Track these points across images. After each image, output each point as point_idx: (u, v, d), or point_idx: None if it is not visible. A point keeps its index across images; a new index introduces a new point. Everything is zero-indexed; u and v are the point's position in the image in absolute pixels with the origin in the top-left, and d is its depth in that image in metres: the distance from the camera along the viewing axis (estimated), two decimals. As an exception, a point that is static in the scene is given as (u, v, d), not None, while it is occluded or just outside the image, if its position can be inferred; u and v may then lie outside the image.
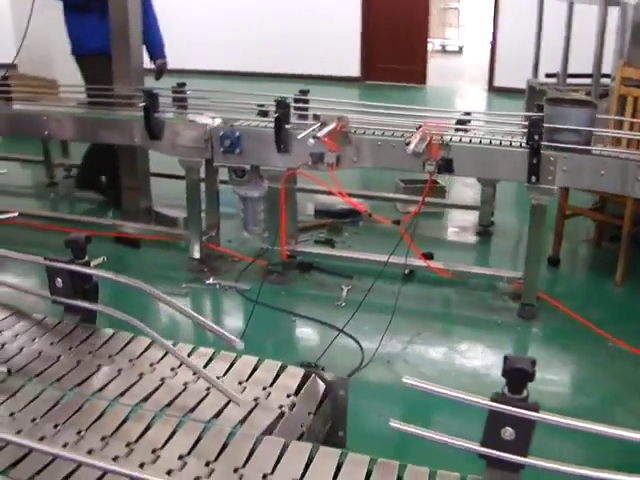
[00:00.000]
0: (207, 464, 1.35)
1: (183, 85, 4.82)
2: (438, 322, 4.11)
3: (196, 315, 1.71)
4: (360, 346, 3.73)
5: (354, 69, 11.98)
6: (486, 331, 4.00)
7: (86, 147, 5.98)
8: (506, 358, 1.32)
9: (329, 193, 4.72)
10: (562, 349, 3.87)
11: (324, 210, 5.58)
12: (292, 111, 4.28)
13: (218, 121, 4.37)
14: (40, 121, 4.82)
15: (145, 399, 1.56)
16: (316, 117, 4.08)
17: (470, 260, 4.96)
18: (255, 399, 1.59)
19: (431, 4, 12.22)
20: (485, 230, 5.36)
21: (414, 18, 11.73)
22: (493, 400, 1.28)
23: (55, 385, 1.60)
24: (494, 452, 1.29)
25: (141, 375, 1.66)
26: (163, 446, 1.39)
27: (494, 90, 11.11)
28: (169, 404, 1.54)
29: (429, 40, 15.89)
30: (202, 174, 4.64)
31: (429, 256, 4.53)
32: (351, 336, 3.79)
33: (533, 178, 3.80)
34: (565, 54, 7.31)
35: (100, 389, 1.61)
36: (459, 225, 5.67)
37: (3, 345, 1.79)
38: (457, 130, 4.16)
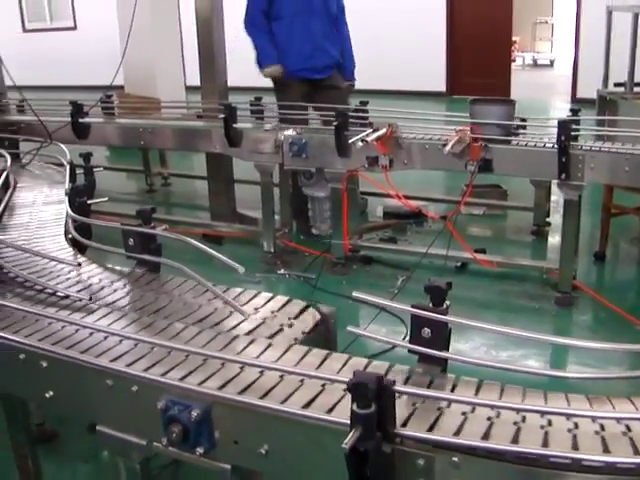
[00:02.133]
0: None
1: (260, 99, 5.47)
2: (481, 308, 4.55)
3: (205, 248, 2.32)
4: (404, 324, 4.23)
5: (440, 84, 12.46)
6: (523, 316, 4.42)
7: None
8: (429, 281, 1.84)
9: (398, 197, 5.21)
10: (591, 333, 4.25)
11: (391, 212, 6.10)
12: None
13: (289, 130, 4.98)
14: (136, 132, 5.57)
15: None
16: (370, 124, 4.64)
17: (519, 256, 5.38)
18: (263, 319, 2.16)
19: (523, 19, 12.57)
20: (539, 230, 5.76)
21: (498, 33, 12.13)
22: (414, 307, 1.81)
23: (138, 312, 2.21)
24: (417, 347, 1.80)
25: (185, 303, 2.28)
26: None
27: (577, 101, 11.37)
28: (201, 320, 2.14)
29: (520, 54, 16.11)
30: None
31: (481, 252, 5.00)
32: (397, 316, 4.28)
33: (563, 175, 4.23)
34: (631, 63, 7.61)
35: (166, 316, 2.19)
36: (515, 225, 6.10)
37: (102, 288, 2.41)
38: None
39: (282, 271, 5.13)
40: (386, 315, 4.03)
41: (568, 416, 1.59)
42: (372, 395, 1.39)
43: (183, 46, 10.81)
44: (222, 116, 5.01)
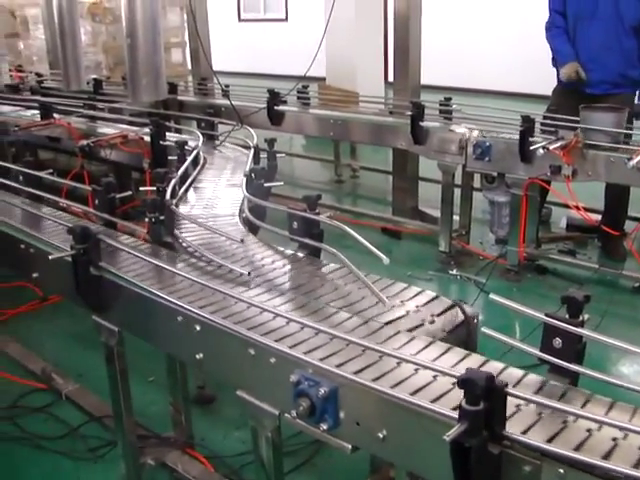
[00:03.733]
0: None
1: (449, 99, 5.49)
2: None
3: (356, 235, 2.40)
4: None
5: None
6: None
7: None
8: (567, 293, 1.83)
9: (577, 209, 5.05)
10: None
11: (575, 225, 5.93)
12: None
13: (474, 132, 4.98)
14: (327, 124, 5.76)
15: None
16: (556, 133, 4.55)
17: None
18: (407, 311, 2.22)
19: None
20: None
21: None
22: (548, 315, 1.80)
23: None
24: (548, 357, 1.79)
25: (337, 288, 2.39)
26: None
27: None
28: (350, 305, 2.24)
29: None
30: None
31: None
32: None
33: None
34: None
35: (318, 299, 2.31)
36: None
37: (263, 266, 2.58)
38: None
39: (454, 271, 5.15)
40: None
41: None
42: (481, 393, 1.42)
43: (387, 42, 10.94)
44: (410, 113, 5.09)
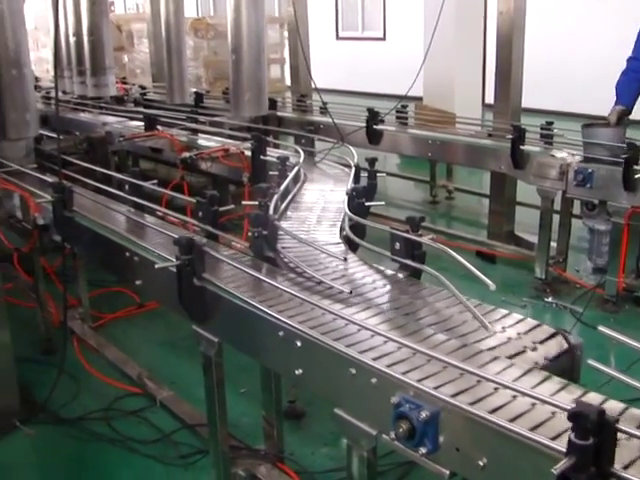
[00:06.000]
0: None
1: (551, 124, 5.40)
2: None
3: (461, 259, 2.36)
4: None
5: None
6: None
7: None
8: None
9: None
10: None
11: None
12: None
13: (576, 158, 4.88)
14: (425, 144, 5.75)
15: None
16: (663, 160, 4.43)
17: None
18: (508, 338, 2.18)
19: None
20: None
21: None
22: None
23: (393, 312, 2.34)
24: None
25: (437, 311, 2.37)
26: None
27: None
28: (450, 329, 2.21)
29: None
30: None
31: None
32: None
33: None
34: None
35: (417, 320, 2.30)
36: None
37: (364, 284, 2.59)
38: None
39: (550, 299, 5.05)
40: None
41: None
42: (591, 427, 1.39)
43: (485, 63, 10.87)
44: (510, 137, 5.03)
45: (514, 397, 1.80)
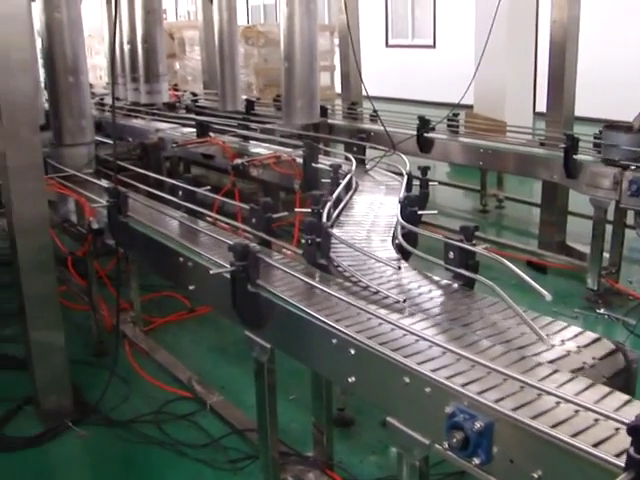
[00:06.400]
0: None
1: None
2: None
3: (518, 271, 2.33)
4: None
5: None
6: None
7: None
8: None
9: None
10: None
11: None
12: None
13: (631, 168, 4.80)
14: (477, 152, 5.72)
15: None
16: None
17: None
18: (567, 352, 2.15)
19: None
20: None
21: None
22: None
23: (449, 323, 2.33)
24: None
25: (494, 323, 2.35)
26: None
27: None
28: (507, 341, 2.19)
29: None
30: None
31: None
32: None
33: None
34: None
35: (474, 331, 2.28)
36: None
37: (419, 294, 2.58)
38: None
39: (602, 310, 4.97)
40: None
41: None
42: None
43: (537, 71, 10.76)
44: (563, 146, 4.98)
45: (576, 412, 1.78)
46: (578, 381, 1.97)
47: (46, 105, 5.72)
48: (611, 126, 4.96)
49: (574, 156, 5.00)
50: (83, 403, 3.86)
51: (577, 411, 1.77)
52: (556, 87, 5.77)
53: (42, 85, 6.98)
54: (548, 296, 2.16)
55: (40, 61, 6.73)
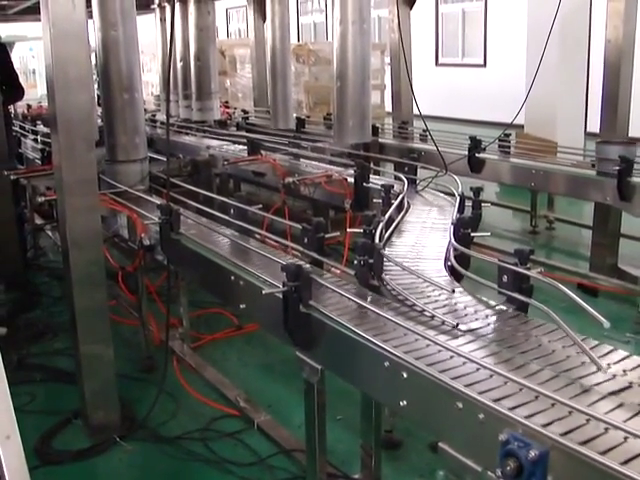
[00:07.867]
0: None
1: (656, 154, 5.24)
2: None
3: (573, 296, 2.29)
4: None
5: None
6: None
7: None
8: None
9: None
10: None
11: None
12: None
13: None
14: (528, 173, 5.65)
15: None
16: None
17: None
18: (614, 375, 2.09)
19: None
20: None
21: None
22: None
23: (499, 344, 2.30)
24: None
25: (551, 349, 2.30)
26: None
27: None
28: (556, 363, 2.15)
29: None
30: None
31: None
32: None
33: None
34: None
35: (523, 354, 2.25)
36: None
37: (470, 316, 2.54)
38: None
39: (655, 336, 4.88)
40: None
41: None
42: None
43: (588, 90, 10.63)
44: (617, 168, 4.90)
45: (625, 439, 1.74)
46: (628, 406, 1.92)
47: (100, 121, 5.81)
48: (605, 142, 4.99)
49: (628, 178, 4.92)
50: (131, 418, 3.89)
51: (626, 438, 1.73)
52: (610, 108, 5.69)
53: (96, 101, 7.12)
54: (606, 323, 2.11)
55: (95, 78, 6.86)
